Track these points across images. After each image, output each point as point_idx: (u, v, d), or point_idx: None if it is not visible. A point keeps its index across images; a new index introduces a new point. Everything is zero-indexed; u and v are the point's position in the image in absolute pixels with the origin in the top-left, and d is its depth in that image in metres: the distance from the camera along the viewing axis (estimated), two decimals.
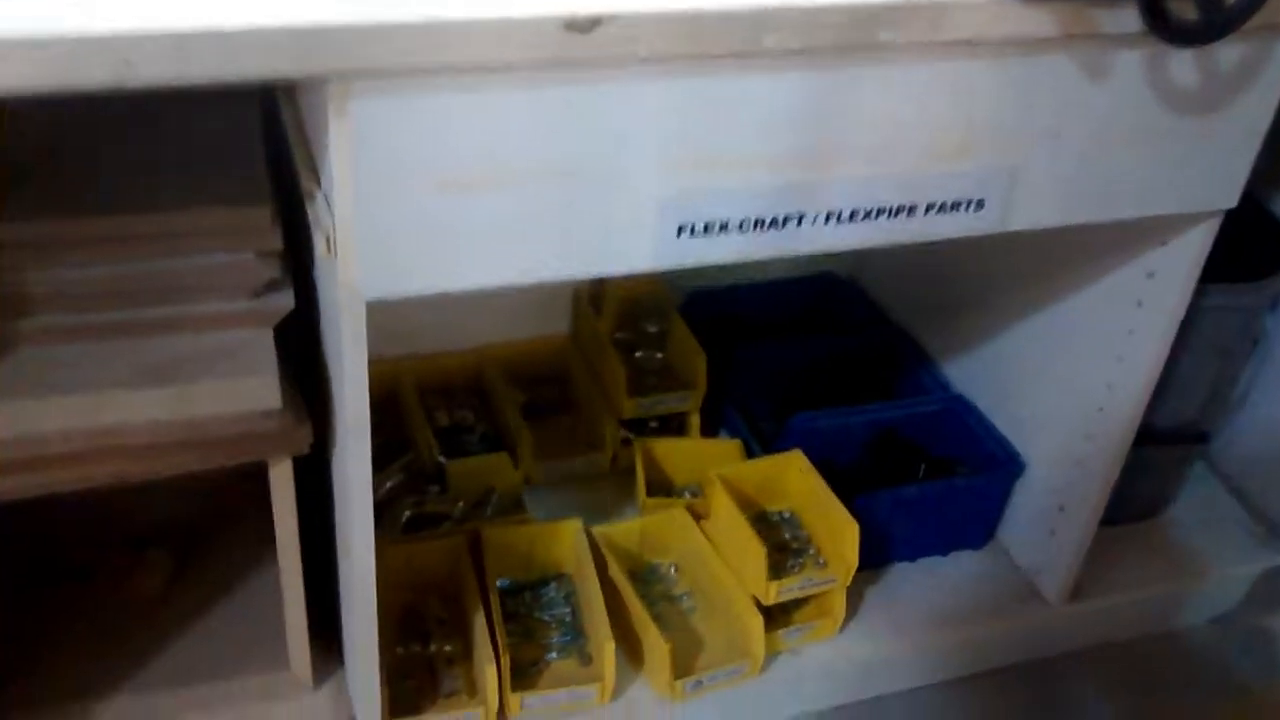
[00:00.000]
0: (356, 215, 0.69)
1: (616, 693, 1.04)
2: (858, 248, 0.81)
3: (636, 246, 0.76)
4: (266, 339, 0.82)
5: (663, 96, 0.70)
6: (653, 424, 1.28)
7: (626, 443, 1.26)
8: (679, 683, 1.04)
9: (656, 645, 1.03)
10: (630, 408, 1.23)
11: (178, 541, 1.10)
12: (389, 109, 0.65)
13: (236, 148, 0.87)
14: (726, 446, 1.25)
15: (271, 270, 0.82)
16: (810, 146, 0.75)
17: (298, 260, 0.83)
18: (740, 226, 0.77)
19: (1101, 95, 0.81)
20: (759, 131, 0.74)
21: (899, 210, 0.80)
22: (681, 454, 1.24)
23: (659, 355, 1.33)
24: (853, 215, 0.79)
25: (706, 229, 0.76)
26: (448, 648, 1.06)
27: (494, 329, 1.35)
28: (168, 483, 1.15)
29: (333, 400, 0.81)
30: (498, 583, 1.09)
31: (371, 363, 1.28)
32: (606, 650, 1.01)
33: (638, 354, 1.32)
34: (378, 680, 0.93)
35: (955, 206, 0.82)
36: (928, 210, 0.81)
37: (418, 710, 0.99)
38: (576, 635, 1.08)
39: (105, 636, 1.02)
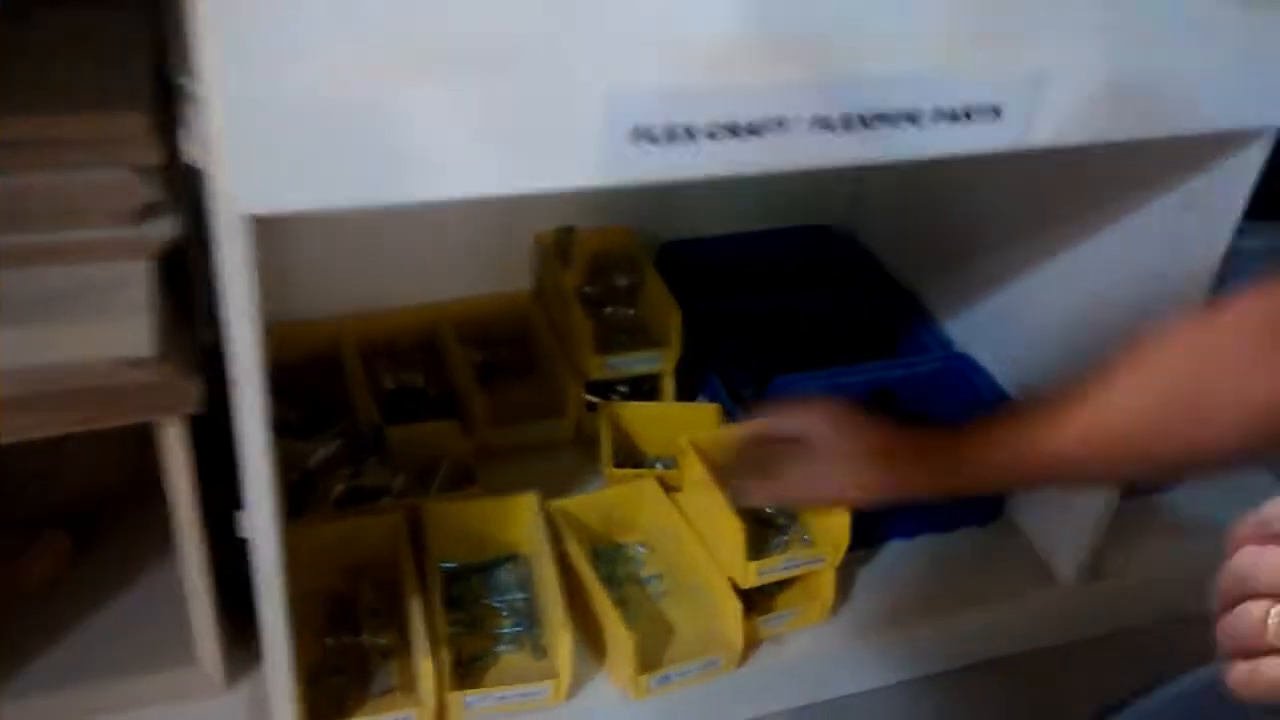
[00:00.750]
0: (230, 108, 0.55)
1: (574, 690, 0.91)
2: (850, 164, 0.68)
3: (581, 155, 0.62)
4: (142, 274, 0.68)
5: None
6: (621, 388, 1.15)
7: (591, 408, 1.12)
8: (644, 677, 0.91)
9: (619, 635, 0.90)
10: (596, 367, 1.10)
11: (77, 522, 0.97)
12: None
13: (118, 51, 0.73)
14: (703, 411, 1.12)
15: (151, 191, 0.68)
16: (796, 33, 0.62)
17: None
18: (710, 133, 0.64)
19: None
20: (734, 9, 0.60)
21: (900, 118, 0.67)
22: (652, 420, 1.11)
23: (630, 312, 1.19)
24: (846, 123, 0.66)
25: (670, 135, 0.63)
26: (382, 640, 0.93)
27: (448, 284, 1.21)
28: (69, 455, 1.03)
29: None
30: (440, 565, 0.95)
31: (310, 321, 1.20)
32: (562, 641, 0.88)
33: (607, 310, 1.19)
34: (288, 677, 0.80)
35: (968, 115, 0.68)
36: (935, 118, 0.68)
37: (343, 712, 0.86)
38: (530, 624, 0.94)
39: None
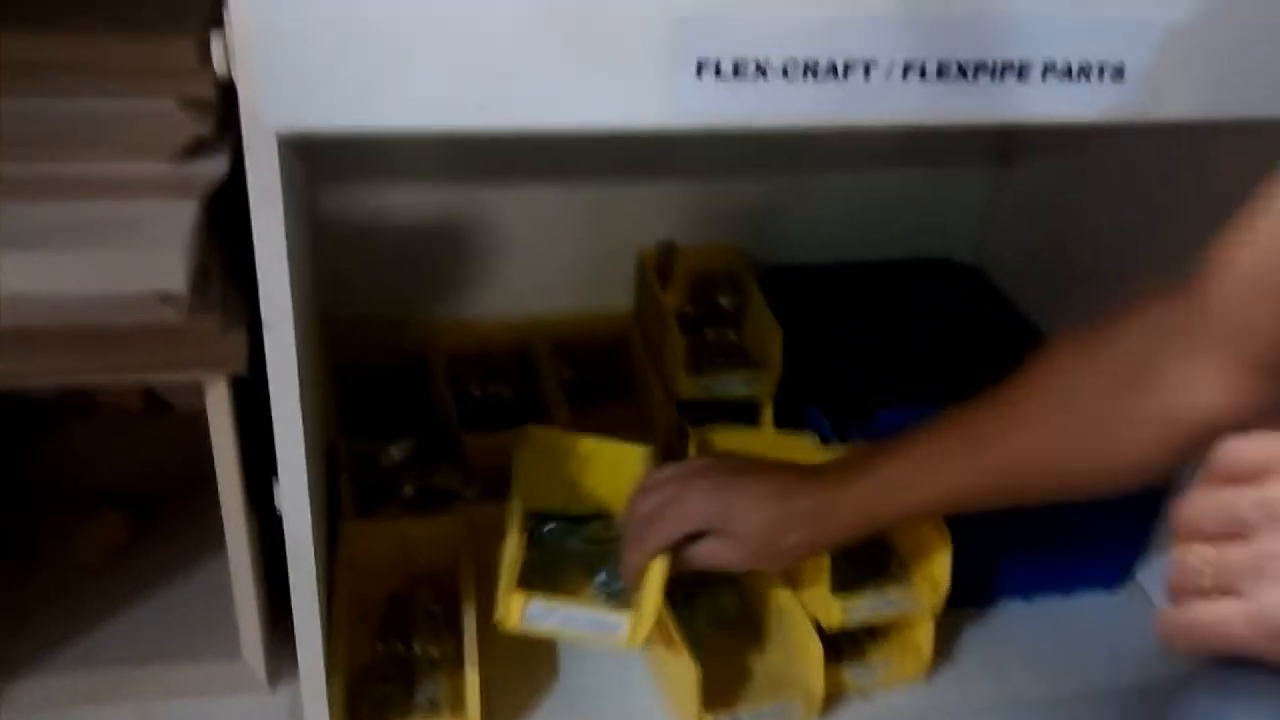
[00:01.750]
0: (256, 11, 0.52)
1: None
2: (941, 122, 0.60)
3: (640, 89, 0.56)
4: (187, 213, 0.65)
5: None
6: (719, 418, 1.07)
7: (683, 435, 1.05)
8: (710, 717, 0.82)
9: (684, 667, 0.82)
10: (688, 387, 1.03)
11: (136, 505, 0.94)
12: None
13: None
14: (799, 442, 1.03)
15: (199, 125, 0.65)
16: None
17: None
18: (784, 71, 0.57)
19: None
20: None
21: (1004, 69, 0.59)
22: (745, 447, 1.03)
23: (733, 336, 1.12)
24: (941, 71, 0.59)
25: (737, 70, 0.57)
26: (434, 649, 0.87)
27: (545, 297, 1.17)
28: (133, 435, 1.02)
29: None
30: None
31: (399, 322, 1.17)
32: None
33: (708, 332, 1.12)
34: (319, 669, 0.75)
35: (1084, 73, 0.60)
36: (1047, 74, 0.60)
37: None
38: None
39: (36, 608, 0.87)
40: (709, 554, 0.81)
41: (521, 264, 1.14)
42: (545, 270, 1.15)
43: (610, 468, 0.92)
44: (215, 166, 0.66)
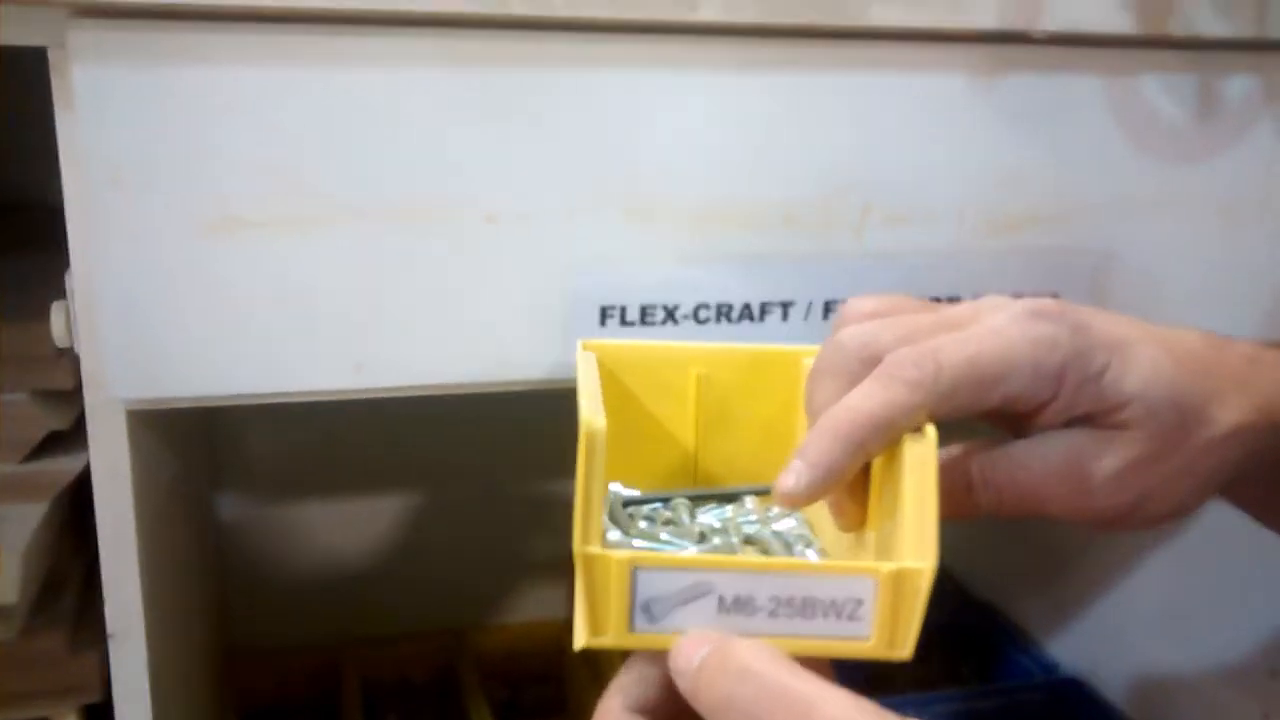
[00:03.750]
0: (94, 275, 0.46)
1: None
2: None
3: (535, 340, 0.51)
4: (34, 516, 0.57)
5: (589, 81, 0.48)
6: None
7: None
8: None
9: None
10: None
11: None
12: (133, 84, 0.44)
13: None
14: None
15: (54, 418, 0.59)
16: (819, 187, 0.52)
17: None
18: (696, 314, 0.52)
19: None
20: (730, 155, 0.51)
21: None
22: None
23: None
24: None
25: (645, 316, 0.52)
26: None
27: (471, 609, 1.07)
28: None
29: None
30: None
31: (306, 648, 1.06)
32: None
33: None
34: None
35: None
36: None
37: None
38: None
39: None
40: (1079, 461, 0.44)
41: (443, 568, 1.05)
42: (471, 576, 1.06)
43: None
44: (73, 463, 0.59)
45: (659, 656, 0.39)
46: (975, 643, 1.03)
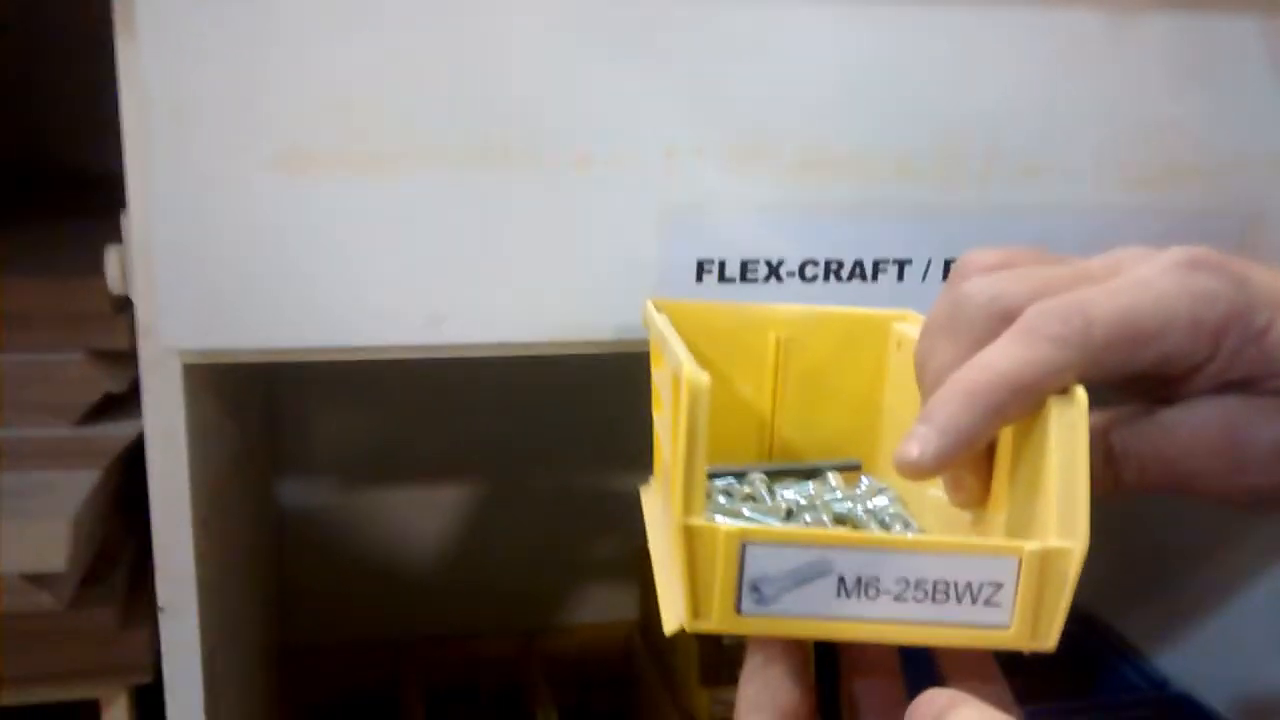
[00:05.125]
0: (152, 214, 0.43)
1: None
2: None
3: (628, 297, 0.46)
4: (87, 482, 0.53)
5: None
6: None
7: None
8: None
9: None
10: (704, 703, 0.88)
11: None
12: (198, 7, 0.41)
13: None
14: None
15: (109, 380, 0.55)
16: (939, 134, 0.47)
17: None
18: (803, 271, 0.48)
19: None
20: (842, 96, 0.46)
21: None
22: None
23: None
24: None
25: (745, 272, 0.47)
26: None
27: (538, 610, 1.03)
28: None
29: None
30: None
31: (366, 645, 1.03)
32: None
33: (725, 640, 0.97)
34: None
35: None
36: None
37: None
38: None
39: None
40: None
41: (509, 568, 1.01)
42: (538, 580, 1.02)
43: None
44: (130, 429, 0.56)
45: (777, 654, 0.34)
46: (1077, 655, 0.97)
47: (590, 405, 0.93)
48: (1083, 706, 0.87)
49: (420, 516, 0.99)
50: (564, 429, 0.97)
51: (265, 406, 0.90)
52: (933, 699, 0.31)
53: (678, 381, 0.33)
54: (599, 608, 1.05)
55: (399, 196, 0.43)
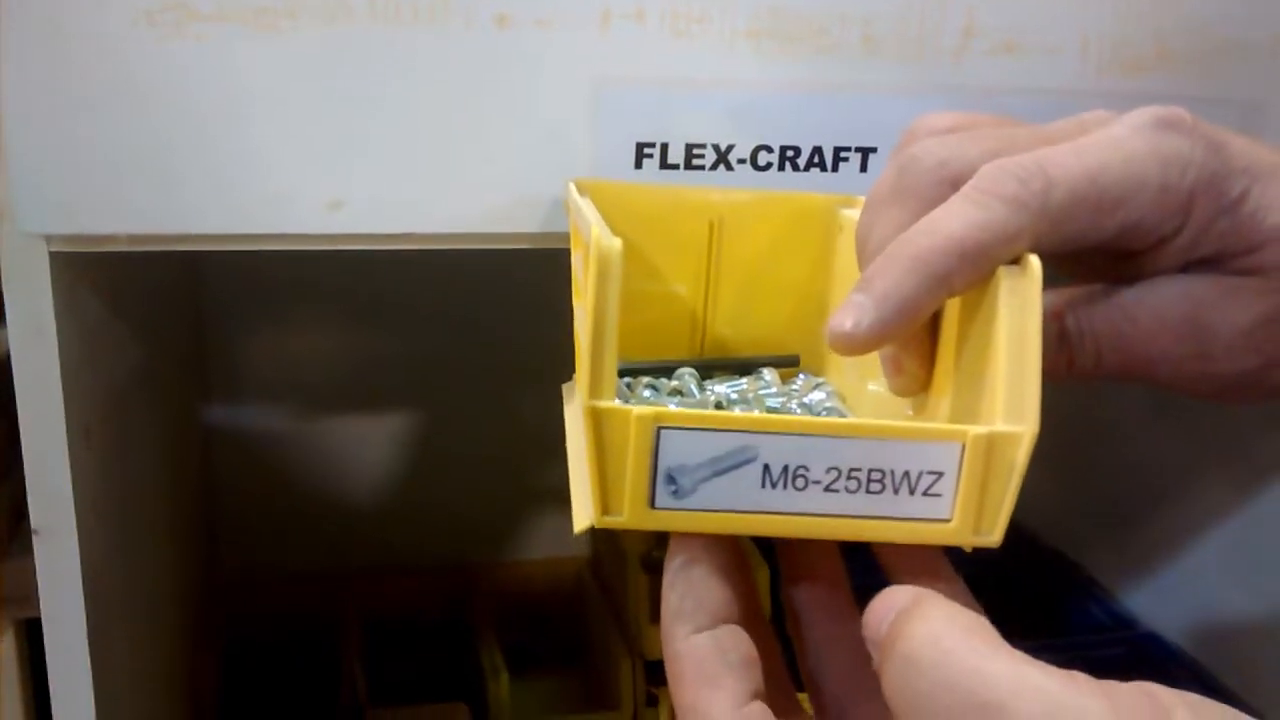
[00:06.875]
0: (4, 80, 0.37)
1: None
2: None
3: (549, 183, 0.41)
4: None
5: None
6: None
7: (652, 700, 0.85)
8: None
9: None
10: (655, 643, 0.84)
11: None
12: None
13: None
14: None
15: None
16: (902, 2, 0.42)
17: None
18: (755, 158, 0.43)
19: None
20: None
21: None
22: None
23: None
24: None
25: (690, 158, 0.42)
26: None
27: (483, 543, 0.99)
28: None
29: None
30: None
31: (302, 577, 0.98)
32: None
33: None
34: None
35: None
36: None
37: None
38: None
39: None
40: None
41: (455, 502, 0.97)
42: (481, 511, 0.97)
43: None
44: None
45: (699, 553, 0.30)
46: (1045, 594, 0.94)
47: (540, 321, 0.87)
48: (1050, 645, 0.84)
49: (359, 443, 0.94)
50: (512, 347, 0.92)
51: (193, 326, 0.84)
52: (891, 597, 0.27)
53: (588, 251, 0.29)
54: (549, 542, 1.01)
55: (289, 59, 0.38)
